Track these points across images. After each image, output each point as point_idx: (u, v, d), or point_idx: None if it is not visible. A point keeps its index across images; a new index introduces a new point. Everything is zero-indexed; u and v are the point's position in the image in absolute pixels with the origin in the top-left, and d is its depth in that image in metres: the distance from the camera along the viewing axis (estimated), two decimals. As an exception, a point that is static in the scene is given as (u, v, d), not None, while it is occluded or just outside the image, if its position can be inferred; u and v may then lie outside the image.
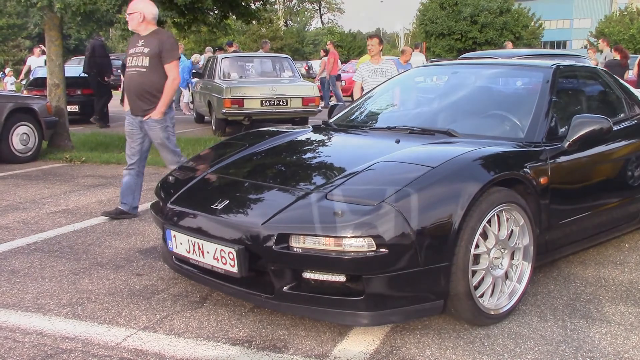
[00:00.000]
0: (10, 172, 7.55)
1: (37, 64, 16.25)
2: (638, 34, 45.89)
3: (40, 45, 17.24)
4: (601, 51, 14.45)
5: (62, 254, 4.27)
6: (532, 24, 49.76)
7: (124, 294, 3.51)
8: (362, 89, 7.50)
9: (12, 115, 8.16)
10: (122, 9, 7.86)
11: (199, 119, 13.48)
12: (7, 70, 20.64)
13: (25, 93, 12.60)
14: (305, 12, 68.79)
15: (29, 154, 8.38)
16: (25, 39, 38.77)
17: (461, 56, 9.31)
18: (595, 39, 44.07)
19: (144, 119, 5.07)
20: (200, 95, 12.59)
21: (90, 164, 8.16)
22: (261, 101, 10.72)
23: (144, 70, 5.03)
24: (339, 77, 17.24)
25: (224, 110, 10.52)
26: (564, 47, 62.52)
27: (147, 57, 5.01)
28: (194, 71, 14.69)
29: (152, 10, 5.09)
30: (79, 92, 13.10)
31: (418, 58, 14.08)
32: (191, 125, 13.25)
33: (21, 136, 8.26)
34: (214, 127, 11.39)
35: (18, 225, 5.02)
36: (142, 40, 5.08)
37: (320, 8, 71.04)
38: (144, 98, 5.05)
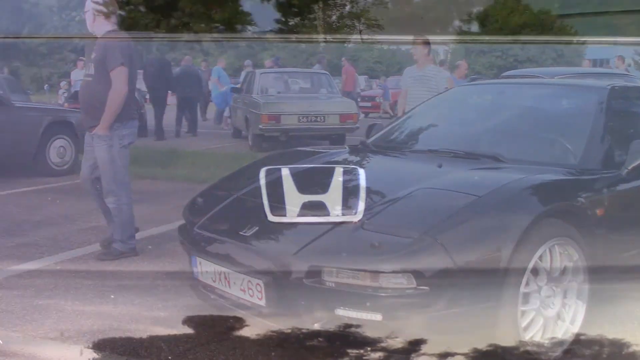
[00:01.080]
0: (45, 186, 7.52)
1: (79, 77, 16.43)
2: (686, 52, 44.61)
3: (83, 58, 17.42)
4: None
5: (89, 274, 4.15)
6: (575, 41, 48.97)
7: (148, 322, 3.35)
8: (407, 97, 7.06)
9: (49, 128, 8.18)
10: (160, 24, 7.83)
11: (236, 134, 13.41)
12: (62, 83, 20.84)
13: (66, 106, 12.72)
14: (345, 28, 69.06)
15: (65, 167, 8.35)
16: (70, 52, 39.61)
17: (503, 74, 8.98)
18: (641, 57, 42.99)
19: (91, 133, 4.38)
20: (237, 110, 12.52)
21: (126, 179, 8.08)
22: (298, 117, 10.58)
23: (90, 79, 4.36)
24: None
25: (261, 126, 10.41)
26: (607, 65, 61.17)
27: (93, 64, 4.33)
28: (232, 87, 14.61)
29: (104, 8, 4.31)
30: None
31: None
32: (228, 140, 13.19)
33: (58, 149, 8.27)
34: (250, 143, 11.29)
35: (47, 242, 4.93)
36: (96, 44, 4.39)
37: (359, 24, 71.25)
38: (89, 111, 4.38)
